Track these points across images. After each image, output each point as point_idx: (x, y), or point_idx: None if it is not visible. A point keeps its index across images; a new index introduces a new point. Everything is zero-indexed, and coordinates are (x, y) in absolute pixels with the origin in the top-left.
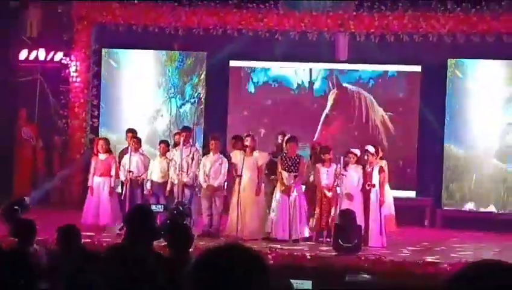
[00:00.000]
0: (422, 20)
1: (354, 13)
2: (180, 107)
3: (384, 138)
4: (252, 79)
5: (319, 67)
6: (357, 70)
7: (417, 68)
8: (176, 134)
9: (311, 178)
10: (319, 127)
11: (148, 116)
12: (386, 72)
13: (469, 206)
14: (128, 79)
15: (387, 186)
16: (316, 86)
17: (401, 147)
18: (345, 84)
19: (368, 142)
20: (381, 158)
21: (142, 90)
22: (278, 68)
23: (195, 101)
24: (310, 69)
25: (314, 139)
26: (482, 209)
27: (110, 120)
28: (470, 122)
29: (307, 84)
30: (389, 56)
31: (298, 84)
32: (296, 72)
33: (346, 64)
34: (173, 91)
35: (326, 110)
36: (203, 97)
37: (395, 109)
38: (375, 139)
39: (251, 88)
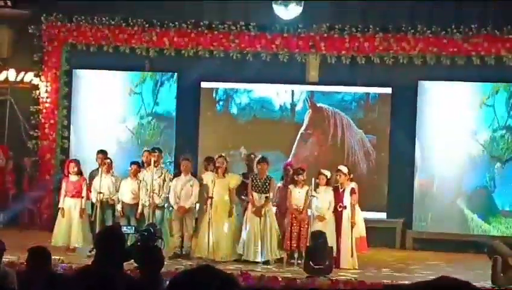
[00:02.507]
0: (393, 42)
1: (325, 35)
2: (150, 127)
3: (361, 160)
4: (233, 100)
5: (301, 89)
6: (340, 92)
7: (388, 90)
8: (144, 152)
9: (277, 199)
10: (294, 147)
11: (116, 137)
12: (368, 94)
13: (439, 227)
14: (98, 100)
15: (357, 208)
16: (298, 108)
17: (373, 169)
18: (319, 105)
19: (342, 163)
20: (351, 180)
21: (111, 111)
22: (260, 89)
23: (165, 121)
24: (292, 91)
25: (289, 159)
26: (451, 231)
27: (79, 141)
28: (440, 144)
29: (288, 106)
30: (360, 78)
31: (280, 105)
32: (278, 94)
33: (331, 86)
34: (144, 112)
35: (301, 130)
36: (174, 118)
37: (371, 131)
38: (349, 160)
39: (233, 109)
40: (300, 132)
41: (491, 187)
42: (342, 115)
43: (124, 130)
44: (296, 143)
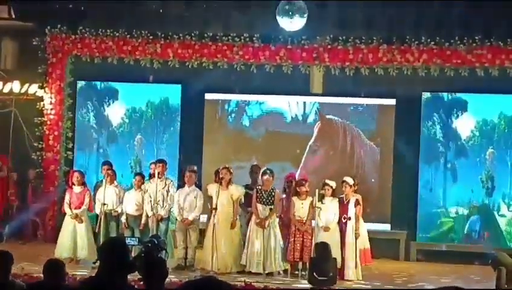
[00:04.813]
0: (397, 54)
1: (329, 46)
2: (155, 140)
3: (370, 171)
4: (245, 112)
5: (304, 100)
6: (344, 104)
7: (392, 101)
8: (151, 164)
9: (280, 210)
10: (303, 159)
11: (121, 149)
12: (372, 105)
13: (443, 239)
14: (102, 111)
15: (361, 220)
16: (310, 119)
17: (377, 180)
18: (329, 117)
19: (350, 175)
20: (355, 191)
21: (116, 122)
22: (271, 101)
23: (170, 133)
24: (304, 103)
25: (298, 171)
26: (456, 243)
27: (85, 153)
28: (445, 156)
29: (300, 118)
30: (364, 89)
31: (292, 117)
32: (290, 106)
33: (335, 97)
34: (148, 124)
35: (310, 142)
36: (178, 129)
37: (375, 142)
38: (359, 172)
39: (244, 121)
40: (309, 144)
41: (491, 187)
42: (351, 126)
43: (125, 141)
44: (304, 155)
